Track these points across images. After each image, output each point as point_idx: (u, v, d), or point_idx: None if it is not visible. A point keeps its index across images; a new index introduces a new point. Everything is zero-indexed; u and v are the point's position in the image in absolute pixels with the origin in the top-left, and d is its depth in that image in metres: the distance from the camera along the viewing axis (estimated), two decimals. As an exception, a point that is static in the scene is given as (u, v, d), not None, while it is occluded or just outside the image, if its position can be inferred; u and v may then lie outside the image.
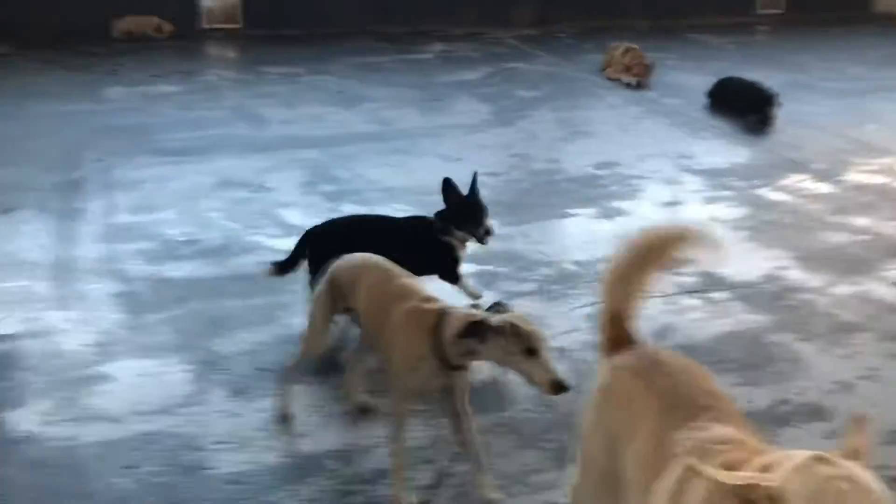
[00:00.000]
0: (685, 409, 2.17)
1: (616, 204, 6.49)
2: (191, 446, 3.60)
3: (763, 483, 1.70)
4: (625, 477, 2.29)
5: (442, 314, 3.12)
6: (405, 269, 4.84)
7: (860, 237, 5.91)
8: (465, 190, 4.53)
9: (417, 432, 3.69)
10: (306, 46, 11.26)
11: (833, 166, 7.34)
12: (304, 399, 3.91)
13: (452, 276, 4.69)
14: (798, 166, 7.35)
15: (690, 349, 4.39)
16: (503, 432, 3.69)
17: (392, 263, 3.58)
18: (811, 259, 5.51)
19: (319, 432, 3.71)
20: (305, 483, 3.40)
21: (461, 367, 3.15)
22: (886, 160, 7.54)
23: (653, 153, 7.61)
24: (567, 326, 4.62)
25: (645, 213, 6.31)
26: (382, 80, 9.94)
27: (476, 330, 2.96)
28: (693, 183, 6.98)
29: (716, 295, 5.00)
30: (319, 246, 4.48)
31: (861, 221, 6.18)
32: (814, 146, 7.83)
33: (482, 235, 4.54)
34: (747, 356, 4.36)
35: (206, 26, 11.85)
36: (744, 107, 8.61)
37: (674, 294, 5.00)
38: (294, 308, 4.68)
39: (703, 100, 9.12)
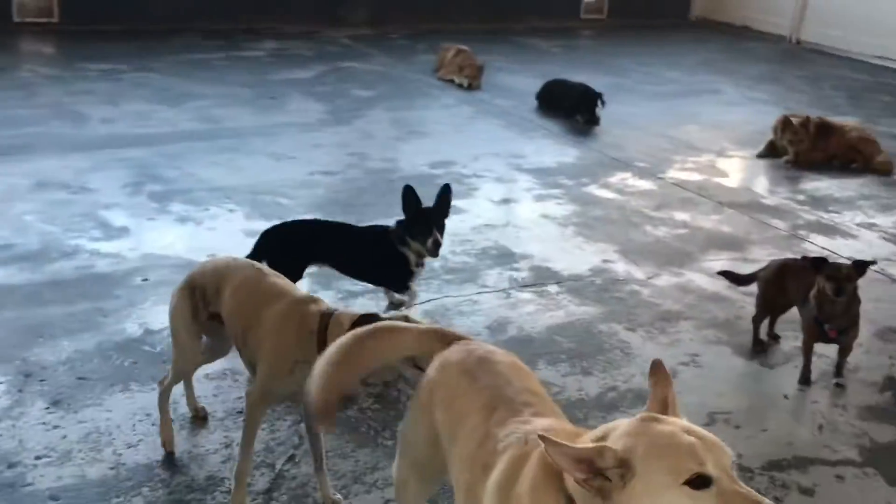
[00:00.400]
0: (508, 407, 2.19)
1: (452, 202, 6.54)
2: (7, 462, 3.35)
3: (611, 446, 1.72)
4: (447, 471, 2.30)
5: (328, 314, 3.02)
6: (360, 278, 4.81)
7: (680, 231, 6.22)
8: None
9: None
10: (128, 42, 10.79)
11: (654, 164, 7.71)
12: (129, 407, 3.72)
13: (402, 286, 4.67)
14: (622, 165, 7.67)
15: (525, 341, 4.50)
16: (340, 432, 3.64)
17: (260, 264, 3.44)
18: (636, 252, 5.76)
19: (148, 441, 3.53)
20: (135, 495, 3.23)
21: None
22: (703, 158, 8.00)
23: (486, 152, 7.75)
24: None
25: (480, 210, 6.41)
26: (212, 77, 9.66)
27: (370, 322, 2.91)
28: (525, 181, 7.15)
29: (548, 288, 5.14)
30: (276, 247, 4.49)
31: (681, 216, 6.51)
32: (636, 146, 8.20)
33: (430, 247, 4.48)
34: (578, 346, 4.50)
35: (19, 20, 11.16)
36: (571, 107, 8.92)
37: (508, 288, 5.10)
38: (119, 314, 4.47)
39: (533, 101, 9.38)
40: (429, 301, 4.89)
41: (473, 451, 2.15)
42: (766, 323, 4.64)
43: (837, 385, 4.22)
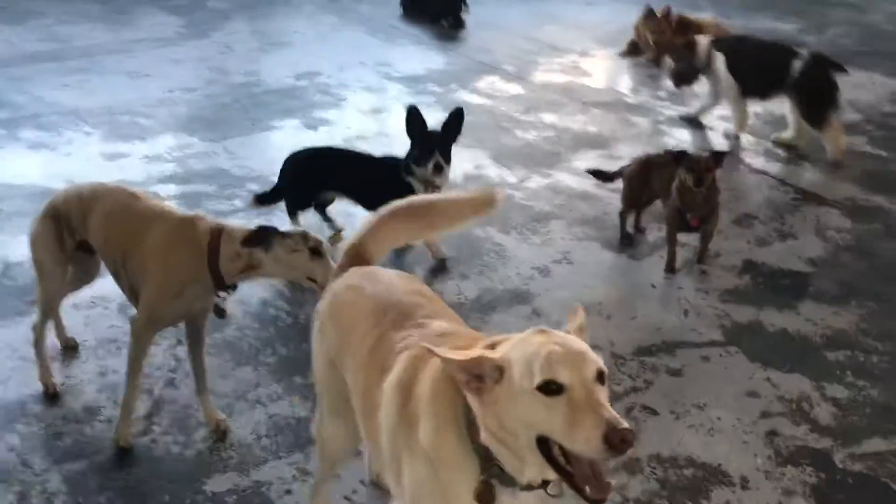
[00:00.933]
0: (397, 309, 2.22)
1: (320, 114, 6.43)
2: None
3: (488, 356, 1.80)
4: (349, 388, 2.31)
5: (218, 230, 2.91)
6: (371, 208, 4.55)
7: (549, 133, 6.31)
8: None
9: (124, 365, 3.51)
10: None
11: (521, 67, 7.74)
12: (-4, 344, 3.57)
13: None
14: (489, 69, 7.66)
15: (401, 249, 4.51)
16: (219, 352, 3.60)
17: (134, 188, 3.26)
18: (507, 156, 5.82)
19: (19, 376, 3.40)
20: (9, 430, 3.13)
21: (232, 287, 2.98)
22: (567, 59, 8.07)
23: (352, 61, 7.60)
24: (279, 239, 4.55)
25: (350, 121, 6.32)
26: (53, -8, 9.05)
27: (263, 236, 2.87)
28: (394, 90, 7.07)
29: (422, 196, 5.14)
30: (293, 174, 4.45)
31: (549, 118, 6.59)
32: (502, 49, 8.19)
33: (430, 170, 4.21)
34: (456, 252, 4.55)
35: None
36: (436, 12, 8.81)
37: (382, 199, 5.07)
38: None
39: (397, 7, 9.21)
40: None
41: (367, 357, 2.17)
42: (632, 217, 4.80)
43: (701, 271, 4.43)
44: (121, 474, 2.97)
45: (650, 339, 3.87)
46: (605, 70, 8.00)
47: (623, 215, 4.74)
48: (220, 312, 3.04)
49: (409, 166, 4.29)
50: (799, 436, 3.28)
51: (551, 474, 1.79)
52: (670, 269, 4.43)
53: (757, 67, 6.11)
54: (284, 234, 2.94)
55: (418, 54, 8.04)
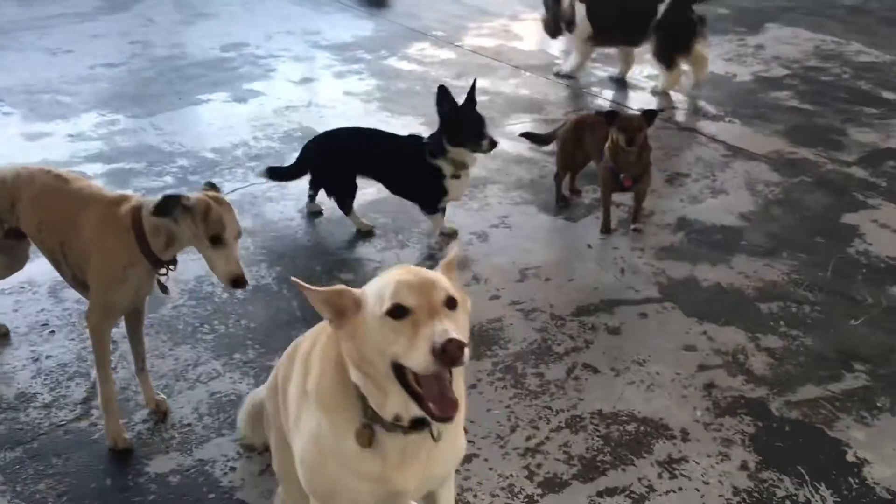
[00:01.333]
0: None
1: (249, 86, 6.31)
2: None
3: (349, 289, 1.91)
4: None
5: (137, 208, 2.76)
6: (398, 192, 4.44)
7: (481, 98, 6.24)
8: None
9: (58, 350, 3.43)
10: None
11: (451, 32, 7.70)
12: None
13: (430, 206, 4.31)
14: (419, 35, 7.61)
15: (340, 222, 4.47)
16: (156, 332, 3.53)
17: (59, 169, 3.06)
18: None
19: (-54, 368, 3.30)
20: (-63, 424, 3.03)
21: (171, 264, 2.85)
22: (497, 23, 8.05)
23: (280, 31, 7.47)
24: (213, 215, 4.47)
25: (280, 92, 6.22)
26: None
27: (168, 206, 2.66)
28: (323, 59, 6.97)
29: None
30: (320, 157, 4.34)
31: (481, 82, 6.54)
32: (431, 14, 8.14)
33: (486, 147, 4.05)
34: (393, 221, 4.53)
35: None
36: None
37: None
38: None
39: (324, -26, 9.06)
40: (235, 191, 4.74)
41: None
42: (567, 180, 4.82)
43: (635, 230, 4.48)
44: (60, 460, 2.90)
45: (589, 299, 3.91)
46: (536, 33, 7.98)
47: (558, 178, 4.76)
48: (164, 289, 2.94)
49: (440, 147, 4.09)
50: (736, 387, 3.36)
51: (414, 408, 1.86)
52: (606, 229, 4.47)
53: (621, 15, 6.37)
54: (187, 208, 2.69)
55: (346, 22, 7.95)
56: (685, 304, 3.89)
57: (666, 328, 3.73)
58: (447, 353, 1.69)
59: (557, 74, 6.74)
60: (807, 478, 2.91)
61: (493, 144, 4.05)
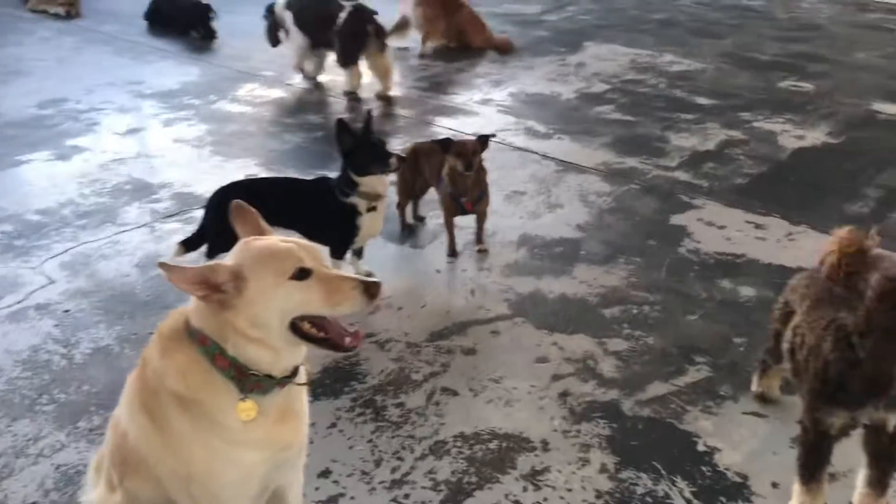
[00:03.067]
0: None
1: (72, 141, 6.05)
2: None
3: (223, 263, 2.00)
4: None
5: None
6: (313, 239, 4.03)
7: (317, 133, 6.27)
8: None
9: None
10: None
11: (280, 71, 7.65)
12: None
13: (341, 247, 4.12)
14: (248, 76, 7.52)
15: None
16: (-8, 409, 3.31)
17: None
18: (277, 161, 5.72)
19: None
20: None
21: None
22: (328, 59, 8.04)
23: (100, 83, 7.21)
24: (42, 281, 4.24)
25: (105, 145, 5.99)
26: None
27: None
28: (149, 108, 6.78)
29: (194, 214, 4.96)
30: (221, 213, 3.73)
31: (315, 119, 6.56)
32: (259, 55, 8.05)
33: (393, 164, 3.96)
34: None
35: None
36: (184, 23, 8.54)
37: (151, 222, 4.85)
38: None
39: (142, 22, 8.84)
40: (66, 251, 4.52)
41: None
42: (410, 208, 4.86)
43: (480, 251, 4.56)
44: None
45: (442, 323, 3.94)
46: (366, 64, 8.04)
47: (401, 207, 4.79)
48: None
49: (349, 183, 3.98)
50: (588, 392, 3.46)
51: (300, 359, 2.10)
52: (452, 252, 4.53)
53: (316, 21, 7.02)
54: None
55: (170, 69, 7.76)
56: (534, 317, 3.98)
57: (518, 343, 3.80)
58: (377, 288, 1.99)
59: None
60: (663, 472, 3.02)
61: (402, 159, 4.03)
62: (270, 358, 2.03)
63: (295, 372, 2.12)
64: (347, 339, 2.08)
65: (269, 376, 2.05)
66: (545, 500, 2.90)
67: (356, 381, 3.52)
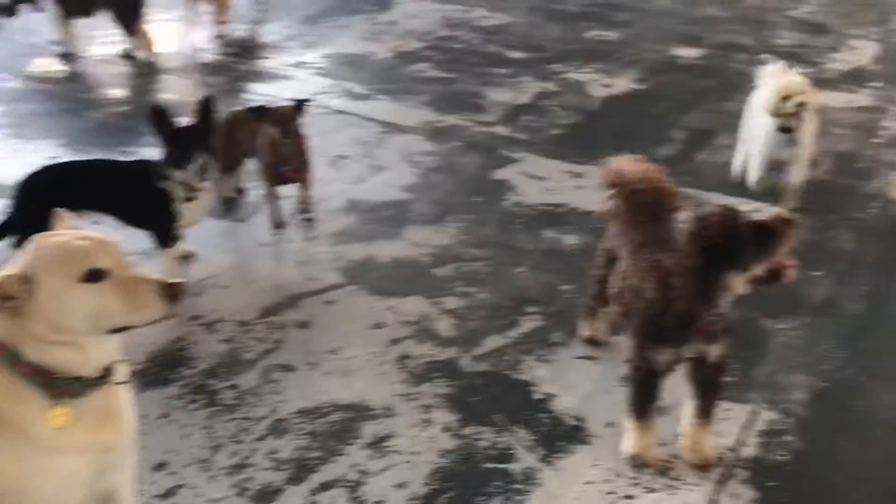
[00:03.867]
0: None
1: None
2: None
3: (6, 272, 1.84)
4: None
5: None
6: (132, 224, 3.77)
7: (122, 108, 5.94)
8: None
9: None
10: None
11: (75, 44, 7.16)
12: None
13: (163, 237, 3.77)
14: (40, 50, 6.99)
15: None
16: None
17: None
18: (81, 141, 5.36)
19: None
20: None
21: None
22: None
23: None
24: None
25: None
26: None
27: None
28: (-71, 90, 6.19)
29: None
30: (41, 197, 3.41)
31: (119, 92, 6.21)
32: (48, 28, 7.49)
33: (196, 173, 3.62)
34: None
35: None
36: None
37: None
38: None
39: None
40: None
41: None
42: (229, 180, 4.68)
43: (307, 220, 4.46)
44: None
45: (272, 299, 3.84)
46: (171, 33, 7.66)
47: (219, 179, 4.60)
48: None
49: (165, 170, 3.69)
50: (426, 353, 3.46)
51: (114, 356, 1.97)
52: (277, 224, 4.40)
53: None
54: None
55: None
56: (367, 283, 3.94)
57: (353, 311, 3.75)
58: (178, 291, 1.90)
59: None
60: (504, 424, 3.08)
61: (204, 169, 3.67)
62: (78, 360, 1.90)
63: (109, 371, 1.99)
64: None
65: (79, 379, 1.91)
66: (392, 465, 2.89)
67: (185, 366, 3.37)
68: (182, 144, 3.65)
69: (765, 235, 2.48)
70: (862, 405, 3.21)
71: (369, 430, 3.05)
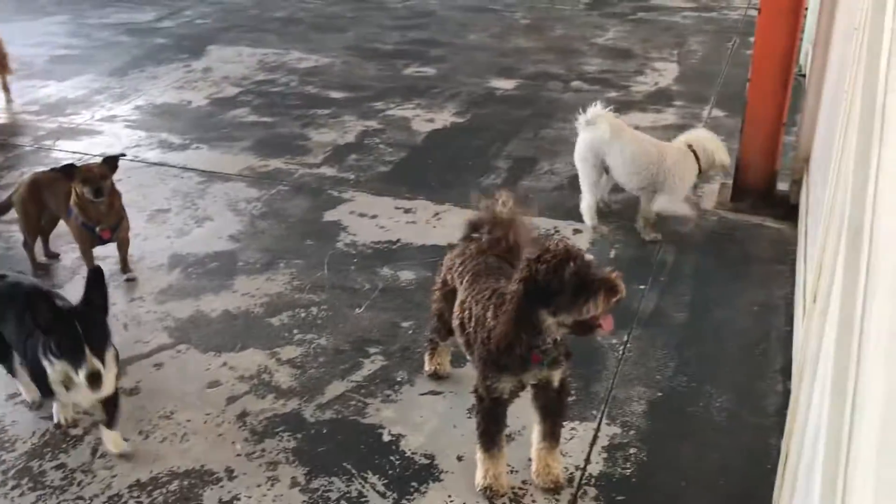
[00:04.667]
0: None
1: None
2: None
3: None
4: None
5: None
6: None
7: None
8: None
9: None
10: None
11: None
12: None
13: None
14: None
15: None
16: None
17: None
18: None
19: None
20: None
21: None
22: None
23: None
24: None
25: None
26: None
27: None
28: None
29: None
30: None
31: None
32: None
33: (85, 377, 2.74)
34: None
35: None
36: None
37: None
38: None
39: None
40: None
41: None
42: (39, 245, 4.39)
43: (128, 280, 4.24)
44: None
45: (97, 366, 3.60)
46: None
47: (27, 246, 4.31)
48: None
49: (46, 345, 2.84)
50: (268, 407, 3.34)
51: None
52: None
53: None
54: None
55: None
56: (199, 341, 3.77)
57: (185, 372, 3.58)
58: None
59: None
60: (354, 471, 3.00)
61: (95, 378, 2.76)
62: None
63: None
64: None
65: None
66: (239, 531, 2.75)
67: (3, 450, 3.10)
68: (69, 333, 2.77)
69: (583, 290, 2.47)
70: (696, 410, 3.33)
71: (213, 495, 2.89)
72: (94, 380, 2.75)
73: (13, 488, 2.93)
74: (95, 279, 2.90)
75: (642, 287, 4.15)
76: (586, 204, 4.68)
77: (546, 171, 5.47)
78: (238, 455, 3.08)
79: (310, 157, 5.76)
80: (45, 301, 2.80)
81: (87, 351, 2.75)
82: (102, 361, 2.79)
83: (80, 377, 2.76)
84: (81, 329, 2.75)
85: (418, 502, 2.87)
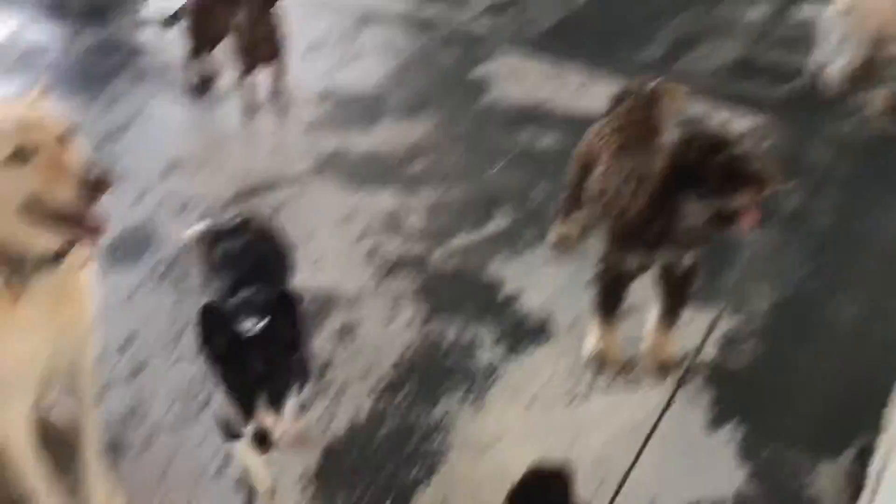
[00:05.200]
0: None
1: None
2: None
3: None
4: None
5: None
6: None
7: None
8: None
9: None
10: None
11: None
12: None
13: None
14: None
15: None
16: None
17: None
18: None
19: None
20: None
21: None
22: None
23: None
24: None
25: None
26: None
27: None
28: None
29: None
30: None
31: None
32: None
33: (254, 436, 2.03)
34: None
35: None
36: None
37: None
38: None
39: None
40: None
41: None
42: (202, 61, 4.55)
43: (280, 107, 4.35)
44: None
45: (244, 184, 3.79)
46: None
47: (192, 59, 4.47)
48: None
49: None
50: (396, 248, 3.46)
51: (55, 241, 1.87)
52: (249, 110, 4.31)
53: None
54: None
55: None
56: (340, 174, 3.90)
57: (325, 201, 3.73)
58: (102, 183, 1.80)
59: None
60: (469, 320, 3.11)
61: (262, 438, 2.02)
62: (26, 239, 1.85)
63: (64, 252, 1.93)
64: (85, 229, 1.85)
65: (22, 260, 1.86)
66: (358, 354, 2.92)
67: (152, 250, 3.35)
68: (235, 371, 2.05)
69: (732, 180, 2.39)
70: (821, 317, 3.26)
71: (337, 317, 3.07)
72: (261, 440, 2.05)
73: (157, 285, 3.17)
74: (282, 304, 2.07)
75: (789, 184, 3.99)
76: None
77: (708, 52, 5.23)
78: (364, 286, 3.23)
79: (466, 9, 5.67)
80: (221, 320, 2.04)
81: (260, 400, 1.99)
82: (278, 412, 2.00)
83: (246, 430, 2.07)
84: (257, 367, 2.00)
85: (526, 358, 2.96)
